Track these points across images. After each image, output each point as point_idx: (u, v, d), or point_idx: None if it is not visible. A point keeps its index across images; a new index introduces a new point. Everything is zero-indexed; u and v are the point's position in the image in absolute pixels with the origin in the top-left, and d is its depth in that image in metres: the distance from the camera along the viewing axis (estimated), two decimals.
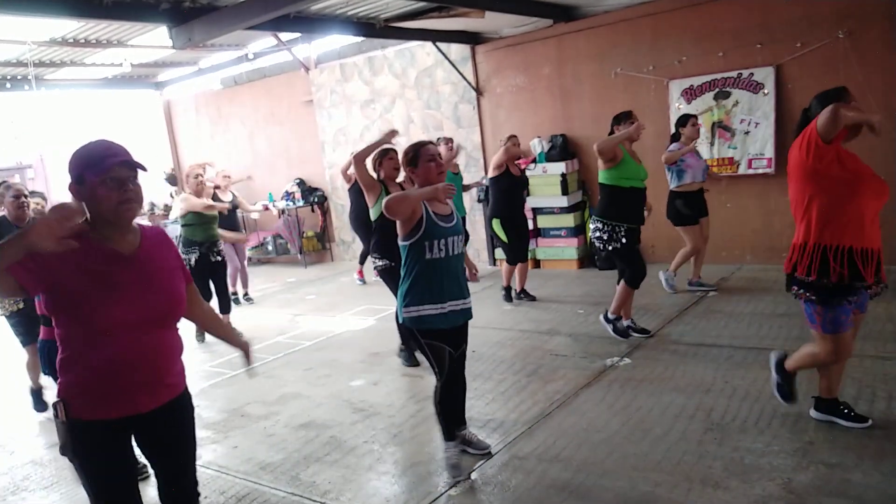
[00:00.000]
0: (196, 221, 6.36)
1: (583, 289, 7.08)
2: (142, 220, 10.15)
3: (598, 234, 4.93)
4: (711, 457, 3.24)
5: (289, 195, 10.60)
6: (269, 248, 11.04)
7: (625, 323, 5.14)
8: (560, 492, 3.10)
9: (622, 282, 5.00)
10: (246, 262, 8.43)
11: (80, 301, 1.96)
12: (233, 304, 8.00)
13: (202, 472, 3.74)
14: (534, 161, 8.10)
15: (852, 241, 3.01)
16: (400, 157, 3.60)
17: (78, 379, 2.03)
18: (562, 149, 7.97)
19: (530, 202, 8.16)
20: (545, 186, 7.98)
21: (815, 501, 2.79)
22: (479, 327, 6.01)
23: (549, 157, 8.01)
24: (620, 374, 4.50)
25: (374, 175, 4.87)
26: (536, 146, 8.13)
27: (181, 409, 2.25)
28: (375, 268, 5.00)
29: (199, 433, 4.26)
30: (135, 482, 2.24)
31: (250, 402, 4.76)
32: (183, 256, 6.13)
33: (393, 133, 4.96)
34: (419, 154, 3.34)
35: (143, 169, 2.06)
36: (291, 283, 9.38)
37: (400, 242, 3.30)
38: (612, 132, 4.97)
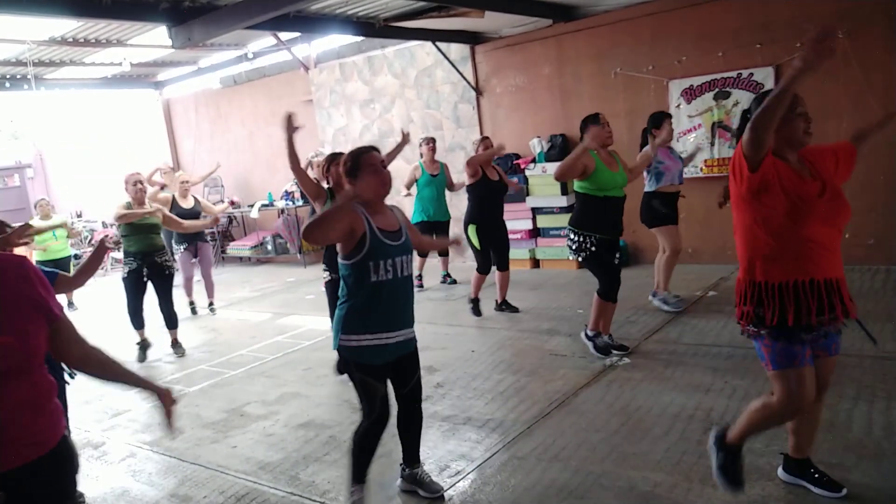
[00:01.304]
0: (129, 231, 5.87)
1: (583, 288, 7.07)
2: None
3: (568, 242, 4.73)
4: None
5: (288, 195, 10.60)
6: (269, 247, 11.04)
7: (604, 338, 4.88)
8: (559, 491, 3.10)
9: (595, 295, 4.75)
10: (212, 270, 8.05)
11: None
12: (197, 311, 7.76)
13: (202, 472, 3.75)
14: (533, 161, 8.10)
15: (796, 275, 2.45)
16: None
17: None
18: (561, 149, 7.96)
19: (530, 202, 8.17)
20: (545, 186, 7.98)
21: (815, 501, 2.79)
22: (479, 327, 6.02)
23: (549, 156, 8.01)
24: (620, 374, 4.50)
25: (325, 183, 4.61)
26: (536, 146, 8.14)
27: (51, 468, 1.85)
28: (324, 279, 4.76)
29: (199, 433, 4.29)
30: None
31: (250, 402, 4.76)
32: (123, 265, 5.88)
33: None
34: (360, 163, 2.84)
35: None
36: (291, 282, 9.38)
37: (340, 261, 2.86)
38: (581, 138, 4.63)
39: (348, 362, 2.91)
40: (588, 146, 4.44)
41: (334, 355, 5.62)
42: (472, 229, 6.16)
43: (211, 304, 7.91)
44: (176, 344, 6.27)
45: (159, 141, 12.55)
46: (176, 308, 6.29)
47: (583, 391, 4.26)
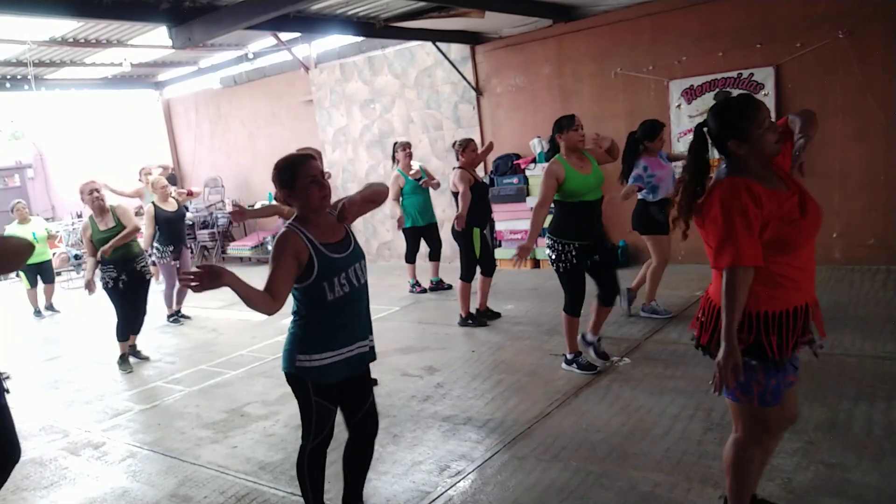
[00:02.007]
0: (101, 244, 5.70)
1: None
2: (143, 221, 10.16)
3: (548, 251, 4.55)
4: (711, 457, 3.23)
5: None
6: (269, 247, 11.02)
7: (590, 337, 4.80)
8: (559, 492, 3.10)
9: (563, 314, 4.63)
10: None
11: None
12: (187, 317, 7.65)
13: (202, 472, 3.75)
14: (534, 161, 8.09)
15: (780, 305, 2.23)
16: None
17: None
18: None
19: (530, 202, 8.16)
20: None
21: (815, 501, 2.79)
22: (479, 327, 6.01)
23: (549, 157, 7.97)
24: (620, 374, 4.50)
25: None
26: (536, 146, 8.13)
27: None
28: None
29: (199, 433, 4.29)
30: None
31: (250, 402, 4.76)
32: (102, 276, 5.78)
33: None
34: (297, 174, 2.58)
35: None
36: None
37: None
38: (552, 139, 4.62)
39: (304, 384, 2.73)
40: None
41: None
42: (476, 233, 5.98)
43: (178, 311, 7.71)
44: (135, 349, 6.21)
45: (159, 141, 12.55)
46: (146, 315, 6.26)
47: (583, 391, 4.26)
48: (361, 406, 2.90)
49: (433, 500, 3.17)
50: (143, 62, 9.97)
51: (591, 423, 3.79)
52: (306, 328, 2.69)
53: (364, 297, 2.76)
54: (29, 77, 8.78)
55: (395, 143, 7.44)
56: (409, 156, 7.31)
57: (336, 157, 10.18)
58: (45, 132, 15.40)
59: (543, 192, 4.42)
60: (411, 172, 7.24)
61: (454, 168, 6.10)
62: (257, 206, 10.68)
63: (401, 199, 7.26)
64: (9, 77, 9.36)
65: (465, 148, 6.02)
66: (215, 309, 7.97)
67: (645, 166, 5.37)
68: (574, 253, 4.41)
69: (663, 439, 3.48)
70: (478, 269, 6.10)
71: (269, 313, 2.57)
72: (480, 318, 6.09)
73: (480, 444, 3.69)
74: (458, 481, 3.31)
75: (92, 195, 5.67)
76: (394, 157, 7.43)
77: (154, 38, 8.10)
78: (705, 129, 2.33)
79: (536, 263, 8.26)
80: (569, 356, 4.69)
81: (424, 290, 7.65)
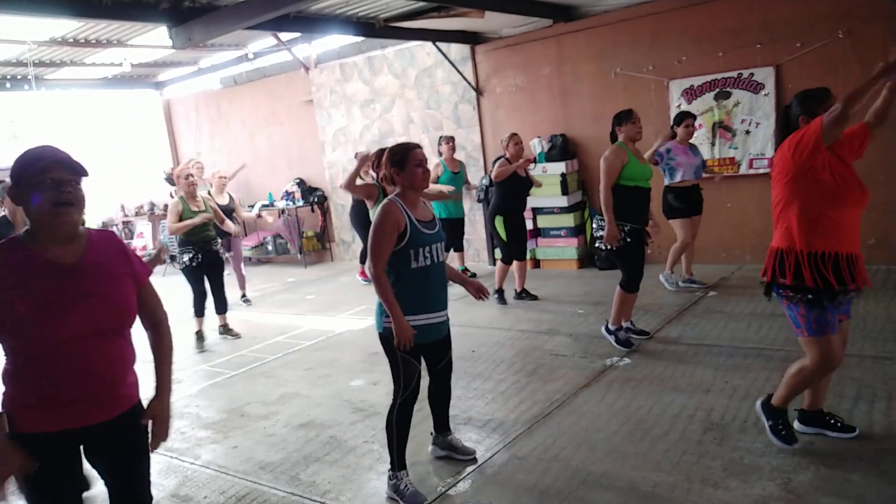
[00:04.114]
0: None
1: (583, 289, 7.08)
2: (143, 221, 10.05)
3: (600, 232, 4.88)
4: (711, 457, 3.24)
5: (289, 195, 10.60)
6: (269, 247, 11.04)
7: (624, 324, 5.12)
8: (559, 492, 3.10)
9: (618, 287, 4.94)
10: (242, 264, 8.31)
11: (22, 319, 1.86)
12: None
13: (202, 472, 3.75)
14: (534, 161, 8.09)
15: (835, 247, 2.89)
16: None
17: (23, 391, 1.95)
18: (562, 149, 7.97)
19: (530, 202, 8.15)
20: (545, 186, 7.97)
21: (815, 501, 2.79)
22: (479, 327, 6.02)
23: (549, 156, 8.01)
24: (620, 374, 4.50)
25: (373, 175, 4.84)
26: (536, 146, 8.13)
27: (134, 422, 2.14)
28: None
29: (199, 433, 4.29)
30: (79, 498, 2.12)
31: (250, 402, 4.76)
32: (180, 255, 6.10)
33: (366, 157, 5.11)
34: (408, 157, 3.13)
35: (84, 173, 1.96)
36: (291, 282, 9.38)
37: None
38: (612, 133, 4.91)
39: (391, 343, 3.09)
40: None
41: (335, 355, 5.65)
42: (499, 220, 6.51)
43: (244, 295, 8.22)
44: (227, 328, 6.63)
45: (160, 141, 12.55)
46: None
47: (583, 391, 4.26)
48: (441, 360, 3.37)
49: (433, 500, 3.17)
50: (143, 62, 9.96)
51: (591, 423, 3.79)
52: (395, 294, 3.04)
53: (442, 273, 3.23)
54: (29, 77, 8.78)
55: (441, 137, 7.95)
56: (452, 149, 7.79)
57: (336, 157, 10.19)
58: (45, 132, 15.39)
59: (609, 173, 4.74)
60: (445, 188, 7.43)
61: (497, 158, 6.62)
62: (257, 206, 10.73)
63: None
64: (9, 77, 9.35)
65: (507, 142, 6.54)
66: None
67: (668, 148, 6.13)
68: (626, 233, 4.75)
69: (663, 439, 3.48)
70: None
71: (373, 274, 3.02)
72: (518, 296, 6.73)
73: (480, 443, 3.69)
74: (458, 481, 3.31)
75: (188, 180, 6.29)
76: (439, 151, 7.95)
77: (154, 38, 8.10)
78: (790, 112, 3.17)
79: (537, 264, 8.26)
80: (611, 326, 4.99)
81: None
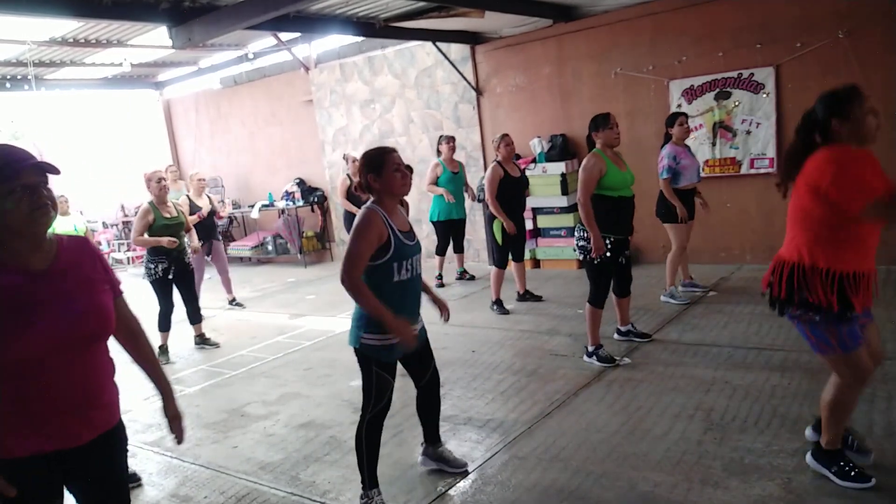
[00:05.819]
0: (161, 232, 5.81)
1: (583, 289, 7.02)
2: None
3: (582, 242, 4.63)
4: (711, 457, 3.24)
5: (289, 195, 10.60)
6: (269, 247, 11.04)
7: (623, 328, 5.07)
8: (559, 492, 3.10)
9: (587, 304, 4.70)
10: (227, 266, 8.07)
11: None
12: (233, 307, 7.97)
13: (202, 472, 3.75)
14: (534, 161, 8.09)
15: (852, 266, 2.65)
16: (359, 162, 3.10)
17: None
18: (561, 149, 7.97)
19: (530, 202, 8.15)
20: (545, 186, 7.98)
21: (815, 501, 2.79)
22: (479, 327, 6.02)
23: (549, 156, 8.00)
24: (620, 374, 4.50)
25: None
26: (536, 146, 8.13)
27: (116, 442, 2.03)
28: None
29: (199, 433, 4.29)
30: None
31: (250, 402, 4.76)
32: (149, 266, 5.88)
33: None
34: (385, 162, 2.94)
35: (56, 172, 1.87)
36: (291, 282, 9.38)
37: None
38: (588, 137, 4.65)
39: (367, 358, 2.97)
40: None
41: (335, 355, 5.65)
42: (497, 224, 6.28)
43: (233, 299, 8.07)
44: (203, 338, 6.41)
45: (160, 141, 12.55)
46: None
47: (583, 391, 4.26)
48: (424, 374, 3.25)
49: (433, 500, 3.17)
50: (143, 62, 9.97)
51: (591, 423, 3.79)
52: None
53: (419, 286, 3.10)
54: (29, 77, 8.78)
55: (441, 136, 7.75)
56: (452, 149, 7.63)
57: (336, 158, 10.18)
58: (45, 132, 15.38)
59: (586, 184, 4.50)
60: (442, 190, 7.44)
61: (492, 161, 6.45)
62: (257, 206, 10.74)
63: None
64: (9, 77, 9.36)
65: (498, 144, 6.37)
66: (215, 309, 7.97)
67: (674, 156, 5.78)
68: (609, 246, 4.53)
69: (663, 439, 3.48)
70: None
71: (350, 283, 2.85)
72: (521, 297, 6.64)
73: (481, 444, 3.69)
74: (459, 481, 3.31)
75: (160, 183, 5.84)
76: (438, 150, 7.77)
77: (154, 38, 8.10)
78: (812, 116, 2.80)
79: (537, 264, 8.26)
80: (590, 348, 4.76)
81: (442, 285, 7.74)
